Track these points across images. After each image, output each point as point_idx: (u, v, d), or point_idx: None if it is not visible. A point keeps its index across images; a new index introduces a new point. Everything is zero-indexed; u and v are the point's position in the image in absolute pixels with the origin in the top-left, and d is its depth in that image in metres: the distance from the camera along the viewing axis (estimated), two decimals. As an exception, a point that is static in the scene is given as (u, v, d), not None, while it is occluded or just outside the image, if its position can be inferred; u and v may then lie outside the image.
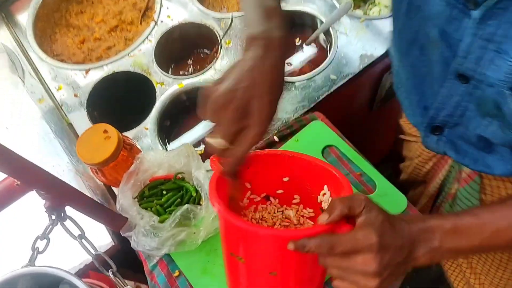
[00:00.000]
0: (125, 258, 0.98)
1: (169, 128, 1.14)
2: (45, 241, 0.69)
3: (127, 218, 0.87)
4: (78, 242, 0.70)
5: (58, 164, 0.99)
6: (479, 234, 0.55)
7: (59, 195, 0.63)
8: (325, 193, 0.73)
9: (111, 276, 0.72)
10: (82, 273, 0.94)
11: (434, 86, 0.72)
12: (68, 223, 0.69)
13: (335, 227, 0.54)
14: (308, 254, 0.52)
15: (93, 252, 0.71)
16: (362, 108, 1.35)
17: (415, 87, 0.79)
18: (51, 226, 0.67)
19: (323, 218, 0.53)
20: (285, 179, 0.77)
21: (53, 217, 0.66)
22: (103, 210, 0.77)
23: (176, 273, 0.91)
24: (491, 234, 0.55)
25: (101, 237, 0.94)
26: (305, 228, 0.59)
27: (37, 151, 0.96)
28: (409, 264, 0.54)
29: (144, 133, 1.08)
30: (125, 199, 0.90)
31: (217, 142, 0.57)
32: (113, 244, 0.93)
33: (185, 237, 0.89)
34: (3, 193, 0.59)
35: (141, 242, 0.87)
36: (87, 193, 0.94)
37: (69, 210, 0.71)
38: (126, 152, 0.91)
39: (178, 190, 0.98)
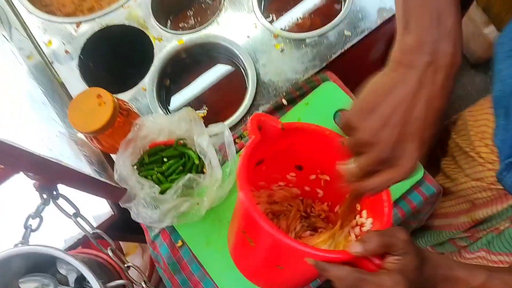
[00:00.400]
0: (126, 226, 0.94)
1: (169, 88, 1.06)
2: (37, 219, 0.64)
3: (125, 189, 0.82)
4: (73, 221, 0.65)
5: (50, 129, 0.93)
6: None
7: (48, 175, 0.58)
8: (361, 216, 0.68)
9: (110, 253, 0.68)
10: (82, 242, 0.91)
11: None
12: (61, 201, 0.64)
13: (361, 259, 0.50)
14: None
15: (90, 230, 0.67)
16: (376, 65, 1.25)
17: None
18: (43, 205, 0.62)
19: (356, 249, 0.48)
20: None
21: (45, 196, 0.61)
22: (99, 184, 0.72)
23: (179, 243, 0.88)
24: None
25: (100, 206, 0.89)
26: (331, 251, 0.55)
27: (26, 115, 0.89)
28: None
29: (142, 94, 1.01)
30: (124, 168, 0.84)
31: (350, 168, 0.50)
32: (113, 213, 0.89)
33: (188, 208, 0.85)
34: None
35: (141, 213, 0.82)
36: (83, 160, 0.88)
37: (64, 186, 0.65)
38: (123, 118, 0.84)
39: (180, 157, 0.92)
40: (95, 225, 0.88)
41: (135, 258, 1.50)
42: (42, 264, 0.78)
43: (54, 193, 0.63)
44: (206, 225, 0.88)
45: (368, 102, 0.46)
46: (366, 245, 0.48)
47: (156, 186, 0.85)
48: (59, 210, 0.63)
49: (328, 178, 0.75)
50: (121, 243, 1.42)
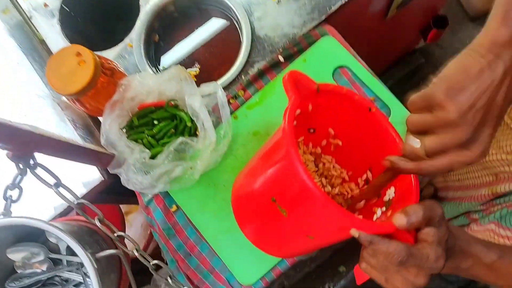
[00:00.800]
0: (119, 189, 0.91)
1: (158, 45, 0.99)
2: (17, 190, 0.60)
3: (114, 155, 0.77)
4: (54, 191, 0.61)
5: (28, 92, 0.87)
6: (510, 280, 0.53)
7: (20, 144, 0.53)
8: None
9: (98, 224, 0.65)
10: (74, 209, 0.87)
11: None
12: (41, 170, 0.60)
13: (400, 231, 0.49)
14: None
15: (74, 201, 0.63)
16: (376, 17, 1.18)
17: None
18: (20, 175, 0.57)
19: (402, 221, 0.48)
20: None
21: (21, 166, 0.57)
22: (82, 151, 0.67)
23: (174, 208, 0.85)
24: None
25: (90, 172, 0.85)
26: (381, 223, 0.53)
27: (3, 75, 0.82)
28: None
29: (129, 51, 0.94)
30: (111, 132, 0.80)
31: (416, 145, 0.48)
32: (103, 179, 0.85)
33: (181, 173, 0.81)
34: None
35: (132, 180, 0.79)
36: (68, 124, 0.83)
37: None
38: (106, 78, 0.79)
39: (171, 119, 0.87)
40: (85, 191, 0.85)
41: (136, 218, 1.49)
42: (32, 233, 0.76)
43: (32, 162, 0.58)
44: (201, 189, 0.85)
45: (458, 81, 0.45)
46: (411, 217, 0.48)
47: (147, 150, 0.80)
48: (39, 180, 0.59)
49: (340, 143, 0.71)
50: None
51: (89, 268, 0.64)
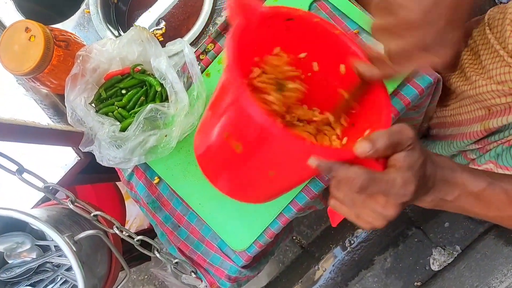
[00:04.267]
0: (97, 169, 0.87)
1: (120, 9, 0.92)
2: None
3: (81, 132, 0.73)
4: (18, 178, 0.57)
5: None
6: (499, 210, 0.49)
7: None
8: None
9: (71, 206, 0.62)
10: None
11: None
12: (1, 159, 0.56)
13: (366, 159, 0.44)
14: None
15: (41, 185, 0.59)
16: None
17: None
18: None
19: (365, 148, 0.43)
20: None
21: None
22: (47, 133, 0.63)
23: (156, 180, 0.81)
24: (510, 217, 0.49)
25: (65, 153, 0.81)
26: (340, 149, 0.50)
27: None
28: (413, 202, 0.48)
29: (87, 19, 0.87)
30: (77, 108, 0.75)
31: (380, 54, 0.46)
32: (79, 158, 0.81)
33: (156, 142, 0.77)
34: None
35: (105, 156, 0.75)
36: (36, 106, 0.78)
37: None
38: (62, 51, 0.73)
39: (140, 87, 0.82)
40: (63, 173, 0.82)
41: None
42: (18, 223, 0.73)
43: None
44: (180, 156, 0.81)
45: None
46: (375, 143, 0.43)
47: (117, 123, 0.76)
48: (1, 168, 0.55)
49: (316, 68, 0.64)
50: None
51: (66, 250, 0.61)
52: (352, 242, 1.46)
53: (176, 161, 0.80)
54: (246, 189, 0.63)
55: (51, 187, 0.61)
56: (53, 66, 0.72)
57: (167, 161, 0.80)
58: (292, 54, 0.62)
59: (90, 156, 0.84)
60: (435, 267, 1.38)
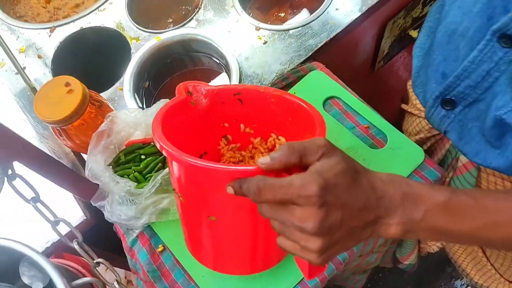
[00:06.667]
0: (100, 236, 0.84)
1: (149, 91, 1.01)
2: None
3: (97, 184, 0.73)
4: (32, 206, 0.56)
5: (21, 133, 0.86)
6: (473, 220, 0.45)
7: (2, 148, 0.50)
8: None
9: (76, 247, 0.59)
10: (53, 253, 0.81)
11: (463, 47, 0.60)
12: (19, 183, 0.56)
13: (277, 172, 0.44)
14: (243, 199, 0.44)
15: (52, 218, 0.58)
16: (363, 67, 1.22)
17: (438, 46, 0.66)
18: (-5, 185, 0.53)
19: (265, 159, 0.43)
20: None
21: (-2, 174, 0.53)
22: (64, 170, 0.64)
23: (160, 248, 0.78)
24: (487, 225, 0.45)
25: (70, 210, 0.80)
26: (241, 166, 0.53)
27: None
28: (374, 231, 0.44)
29: (119, 95, 0.94)
30: (96, 164, 0.76)
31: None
32: (85, 218, 0.79)
33: (168, 205, 0.76)
34: None
35: (116, 211, 0.73)
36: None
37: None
38: (94, 109, 0.78)
39: (159, 154, 0.84)
40: (63, 233, 0.79)
41: None
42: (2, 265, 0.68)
43: (9, 171, 0.54)
44: (189, 225, 0.79)
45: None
46: (275, 153, 0.42)
47: (132, 182, 0.77)
48: (15, 192, 0.54)
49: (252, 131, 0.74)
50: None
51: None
52: None
53: (184, 229, 0.78)
54: (201, 247, 0.65)
55: (59, 221, 0.59)
56: (84, 121, 0.76)
57: (175, 229, 0.78)
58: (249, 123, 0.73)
59: (94, 217, 0.83)
60: None
